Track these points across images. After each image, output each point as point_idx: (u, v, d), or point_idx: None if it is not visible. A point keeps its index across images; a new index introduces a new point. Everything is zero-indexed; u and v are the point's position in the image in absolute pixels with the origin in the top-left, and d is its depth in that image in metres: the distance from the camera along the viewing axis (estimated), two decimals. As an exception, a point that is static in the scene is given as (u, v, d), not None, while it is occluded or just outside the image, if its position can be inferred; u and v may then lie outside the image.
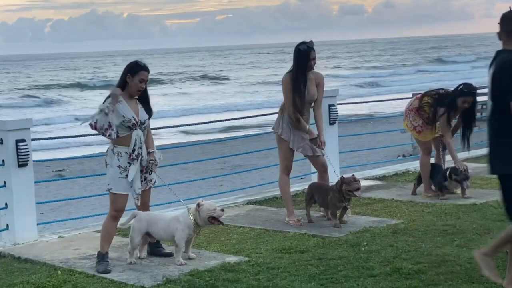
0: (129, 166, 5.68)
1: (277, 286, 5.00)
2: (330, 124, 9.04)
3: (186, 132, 24.96)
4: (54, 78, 65.26)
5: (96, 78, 62.76)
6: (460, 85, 7.87)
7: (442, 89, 8.13)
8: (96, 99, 38.99)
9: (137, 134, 5.69)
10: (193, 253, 5.87)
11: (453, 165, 7.80)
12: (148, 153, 5.79)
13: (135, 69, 5.73)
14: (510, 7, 5.34)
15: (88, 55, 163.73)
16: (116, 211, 5.76)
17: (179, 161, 11.57)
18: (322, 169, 7.12)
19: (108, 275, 5.47)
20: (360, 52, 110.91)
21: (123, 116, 5.63)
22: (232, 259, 5.75)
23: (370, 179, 9.32)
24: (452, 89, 7.94)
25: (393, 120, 20.17)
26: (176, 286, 5.11)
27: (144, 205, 5.90)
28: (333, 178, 7.22)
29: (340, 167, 9.26)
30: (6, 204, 6.68)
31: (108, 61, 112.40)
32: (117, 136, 5.62)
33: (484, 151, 11.37)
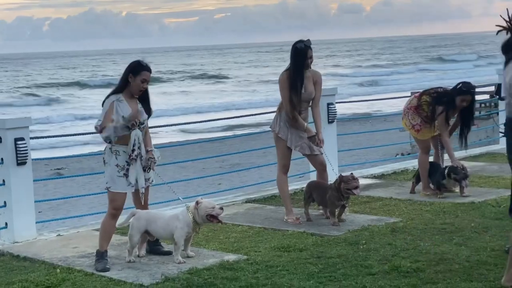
0: (128, 165, 5.69)
1: (276, 284, 5.00)
2: (329, 122, 9.05)
3: (185, 131, 24.97)
4: (53, 77, 65.26)
5: (95, 77, 62.76)
6: (458, 83, 7.88)
7: (441, 87, 8.13)
8: (95, 98, 39.01)
9: (136, 133, 5.69)
10: (192, 251, 5.87)
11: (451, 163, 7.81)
12: (147, 151, 5.79)
13: (138, 69, 5.72)
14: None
15: (87, 54, 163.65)
16: (115, 210, 5.77)
17: (177, 160, 11.58)
18: (320, 167, 7.12)
19: (107, 273, 5.48)
20: (359, 51, 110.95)
21: (123, 116, 5.63)
22: (231, 257, 5.75)
23: (369, 178, 9.33)
24: (451, 87, 7.95)
25: (392, 118, 20.21)
26: (175, 284, 5.11)
27: (143, 204, 5.90)
28: (331, 177, 7.22)
29: (339, 165, 9.27)
30: (5, 202, 6.68)
31: (107, 59, 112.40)
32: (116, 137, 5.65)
33: (482, 149, 11.41)
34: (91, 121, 30.94)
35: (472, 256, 5.46)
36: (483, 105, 20.13)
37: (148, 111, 5.86)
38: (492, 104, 18.77)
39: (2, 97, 44.16)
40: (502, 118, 11.38)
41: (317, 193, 6.97)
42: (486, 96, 19.40)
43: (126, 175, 5.70)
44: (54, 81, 58.52)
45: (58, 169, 16.38)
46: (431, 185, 8.03)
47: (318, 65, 63.21)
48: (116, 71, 67.24)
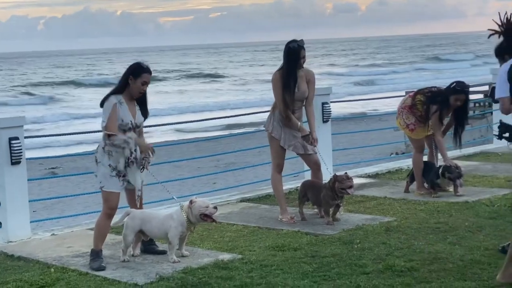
0: (126, 169, 5.69)
1: (270, 284, 5.01)
2: (324, 122, 9.05)
3: (180, 130, 24.95)
4: (48, 76, 65.12)
5: (90, 76, 62.65)
6: (452, 83, 7.90)
7: (435, 87, 8.15)
8: (90, 97, 38.94)
9: (132, 136, 5.69)
10: (186, 250, 5.87)
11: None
12: (141, 152, 5.79)
13: (138, 71, 5.73)
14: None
15: (82, 53, 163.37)
16: (110, 209, 5.77)
17: (172, 159, 11.59)
18: (315, 167, 7.13)
19: (101, 273, 5.47)
20: (354, 50, 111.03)
21: (122, 120, 5.64)
22: (226, 256, 5.76)
23: (363, 177, 9.34)
24: (445, 87, 7.97)
25: (386, 118, 20.22)
26: (169, 284, 5.11)
27: (138, 206, 5.91)
28: (326, 176, 7.23)
29: (334, 164, 9.28)
30: (-1, 202, 6.67)
31: (102, 58, 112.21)
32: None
33: (476, 149, 11.44)
34: (86, 121, 31.05)
35: (466, 255, 5.48)
36: (477, 104, 20.18)
37: (145, 113, 5.87)
38: (486, 103, 18.82)
39: (-3, 96, 44.06)
40: (496, 117, 11.43)
41: (311, 192, 6.97)
42: (480, 96, 19.45)
43: (118, 175, 5.71)
44: (49, 80, 58.40)
45: (53, 168, 16.36)
46: (425, 185, 8.04)
47: (314, 64, 63.31)
48: (111, 70, 67.22)
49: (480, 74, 41.26)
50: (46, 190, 13.48)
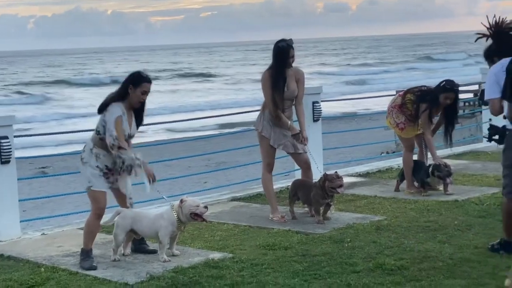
0: (107, 169, 5.67)
1: (261, 282, 5.02)
2: (314, 121, 9.06)
3: (171, 130, 24.92)
4: (39, 75, 64.86)
5: (81, 75, 62.44)
6: (442, 81, 7.93)
7: (425, 86, 8.17)
8: (81, 96, 38.82)
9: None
10: (177, 250, 5.87)
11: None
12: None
13: (138, 81, 5.72)
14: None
15: (73, 52, 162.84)
16: (100, 209, 5.76)
17: (163, 158, 11.55)
18: (305, 166, 7.14)
19: (91, 272, 5.47)
20: (345, 50, 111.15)
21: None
22: (216, 255, 5.76)
23: (354, 176, 9.36)
24: (435, 85, 7.99)
25: (377, 117, 20.23)
26: (160, 283, 5.11)
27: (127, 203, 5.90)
28: (316, 175, 7.24)
29: (324, 163, 9.29)
30: (-12, 201, 6.65)
31: (93, 58, 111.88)
32: (101, 139, 5.63)
33: (466, 148, 11.49)
34: (77, 120, 30.97)
35: (455, 254, 5.51)
36: (467, 103, 20.27)
37: (140, 121, 5.86)
38: (476, 103, 18.89)
39: (-13, 96, 43.85)
40: (485, 117, 11.48)
41: (302, 191, 6.98)
42: (470, 95, 19.53)
43: (106, 177, 5.70)
44: (40, 79, 58.16)
45: (43, 167, 16.30)
46: (415, 183, 8.07)
47: (305, 63, 63.33)
48: (102, 69, 66.95)
49: (472, 73, 41.37)
50: (36, 189, 13.43)
